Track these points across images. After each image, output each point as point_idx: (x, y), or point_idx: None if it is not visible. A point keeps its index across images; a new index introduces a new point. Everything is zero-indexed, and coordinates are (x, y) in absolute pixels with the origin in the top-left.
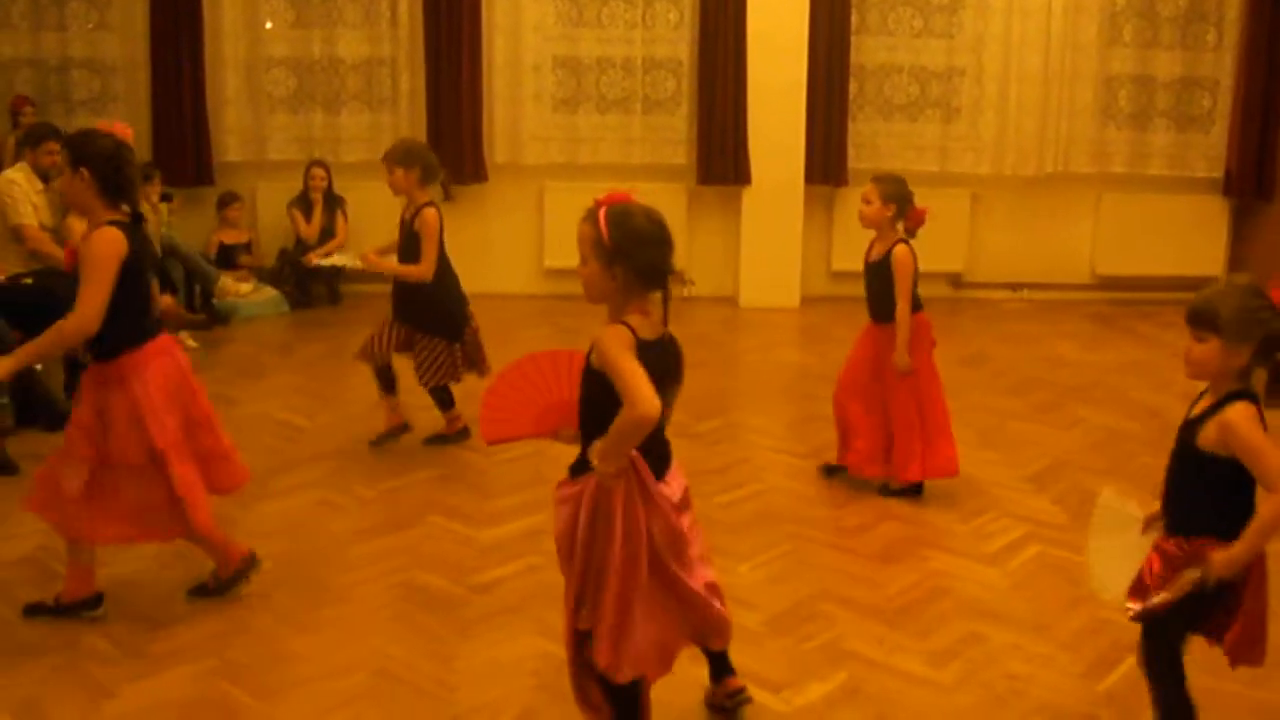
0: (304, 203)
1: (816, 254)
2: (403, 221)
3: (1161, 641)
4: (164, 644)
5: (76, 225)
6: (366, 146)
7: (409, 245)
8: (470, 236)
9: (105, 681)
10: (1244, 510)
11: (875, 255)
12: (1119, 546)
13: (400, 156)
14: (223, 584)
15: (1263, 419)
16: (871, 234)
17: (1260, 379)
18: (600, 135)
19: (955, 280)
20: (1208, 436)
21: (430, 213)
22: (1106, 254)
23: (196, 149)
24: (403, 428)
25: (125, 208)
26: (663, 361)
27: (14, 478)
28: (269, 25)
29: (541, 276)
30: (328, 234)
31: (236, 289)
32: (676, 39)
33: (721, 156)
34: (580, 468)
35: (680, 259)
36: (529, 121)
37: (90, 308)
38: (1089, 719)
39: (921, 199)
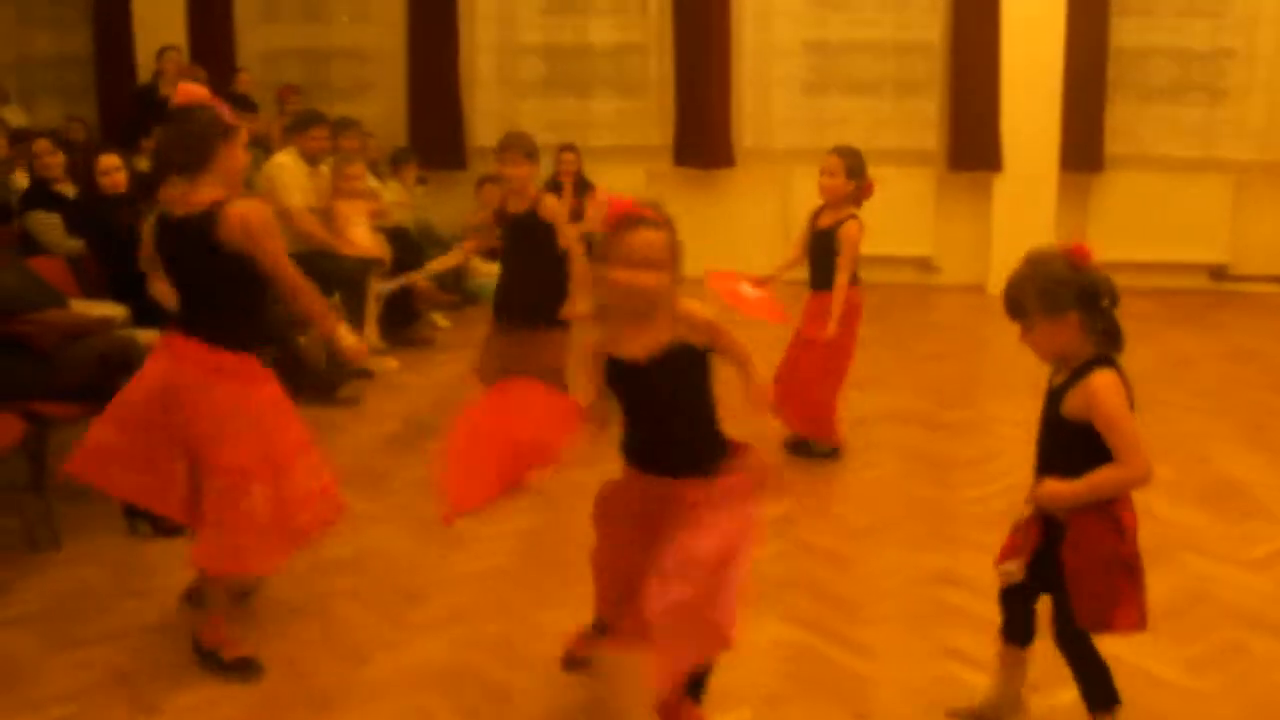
0: (554, 186)
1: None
2: (505, 214)
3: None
4: (417, 612)
5: (343, 208)
6: (616, 131)
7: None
8: (716, 220)
9: (361, 646)
10: None
11: (823, 224)
12: None
13: (530, 149)
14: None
15: (1126, 384)
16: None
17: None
18: (849, 119)
19: (1218, 272)
20: (1071, 405)
21: (552, 201)
22: None
23: (451, 133)
24: None
25: None
26: None
27: None
28: None
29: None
30: (577, 216)
31: (487, 270)
32: (928, 21)
33: (973, 142)
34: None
35: (927, 245)
36: (777, 106)
37: None
38: None
39: (1182, 185)
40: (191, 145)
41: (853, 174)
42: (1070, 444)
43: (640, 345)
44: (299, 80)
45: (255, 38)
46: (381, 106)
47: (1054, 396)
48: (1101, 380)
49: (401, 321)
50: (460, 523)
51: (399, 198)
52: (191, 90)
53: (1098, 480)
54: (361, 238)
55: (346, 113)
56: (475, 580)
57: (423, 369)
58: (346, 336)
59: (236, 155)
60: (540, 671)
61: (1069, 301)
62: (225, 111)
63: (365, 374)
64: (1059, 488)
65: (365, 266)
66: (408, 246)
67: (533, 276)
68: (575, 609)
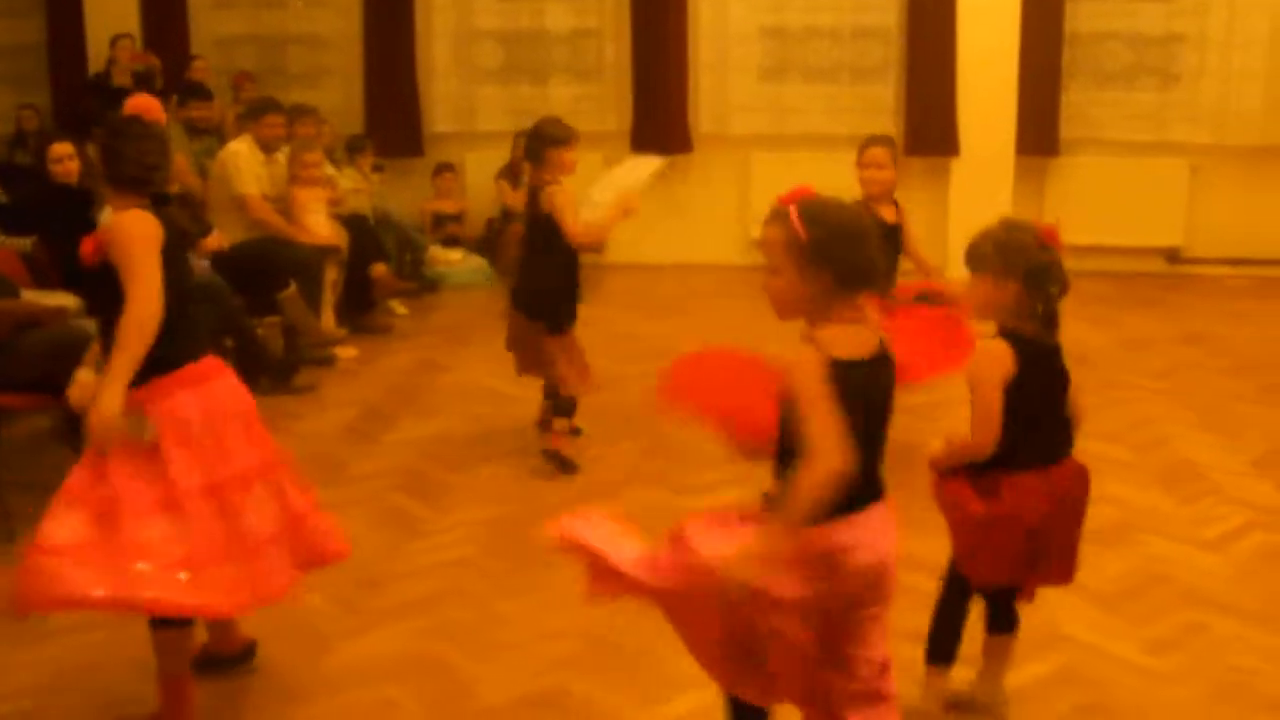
0: (511, 173)
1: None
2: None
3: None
4: (377, 602)
5: (300, 195)
6: (573, 117)
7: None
8: (674, 207)
9: (323, 636)
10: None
11: (890, 219)
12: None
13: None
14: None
15: (1020, 358)
16: None
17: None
18: (807, 105)
19: (1172, 255)
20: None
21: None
22: None
23: (407, 120)
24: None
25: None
26: (869, 386)
27: None
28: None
29: (746, 247)
30: None
31: (446, 257)
32: (885, 6)
33: (930, 127)
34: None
35: None
36: (735, 91)
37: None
38: None
39: (1135, 169)
40: (127, 165)
41: (896, 161)
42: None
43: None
44: (254, 67)
45: (209, 24)
46: (338, 93)
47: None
48: (985, 346)
49: (359, 309)
50: (420, 512)
51: (356, 185)
52: (143, 104)
53: (956, 445)
54: (318, 225)
55: (302, 100)
56: (437, 569)
57: (380, 357)
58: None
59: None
60: (503, 660)
61: (1017, 271)
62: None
63: (324, 361)
64: (938, 448)
65: (322, 254)
66: (365, 234)
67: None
68: (537, 597)
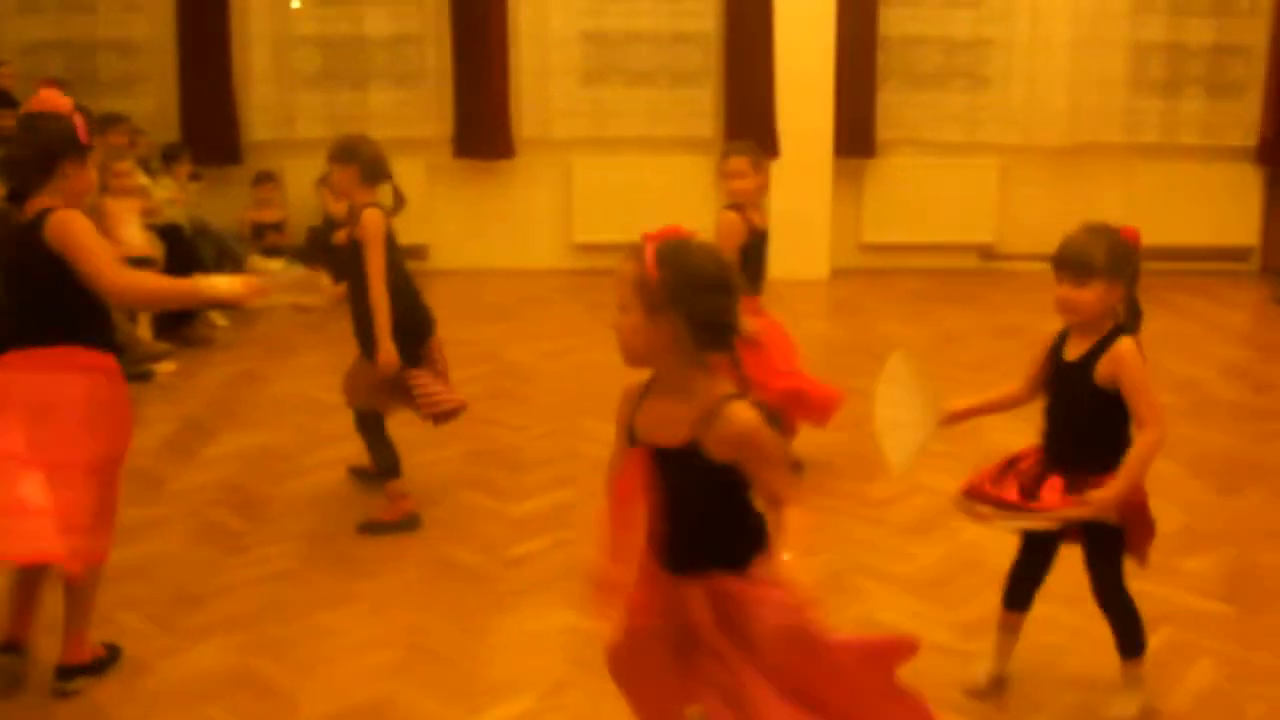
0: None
1: (846, 226)
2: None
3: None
4: (195, 619)
5: (112, 206)
6: (394, 124)
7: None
8: (498, 212)
9: (139, 656)
10: (1125, 442)
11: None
12: (907, 419)
13: (337, 153)
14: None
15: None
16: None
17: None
18: (628, 109)
19: (986, 251)
20: (1102, 372)
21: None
22: (1139, 224)
23: (225, 128)
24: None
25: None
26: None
27: None
28: (296, 3)
29: (571, 251)
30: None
31: (266, 267)
32: (703, 11)
33: (749, 130)
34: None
35: (708, 232)
36: (556, 96)
37: None
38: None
39: (949, 169)
40: (33, 157)
41: (759, 168)
42: (1098, 412)
43: (661, 425)
44: (62, 74)
45: (13, 29)
46: (152, 101)
47: (1078, 368)
48: (1128, 346)
49: (178, 320)
50: (239, 526)
51: (172, 194)
52: (50, 98)
53: (1133, 462)
54: (132, 237)
55: (114, 107)
56: (255, 584)
57: (200, 370)
58: (219, 282)
59: (84, 176)
60: (324, 673)
61: (1125, 273)
62: (80, 128)
63: (142, 377)
64: (1108, 494)
65: (136, 266)
66: (181, 244)
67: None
68: (357, 607)
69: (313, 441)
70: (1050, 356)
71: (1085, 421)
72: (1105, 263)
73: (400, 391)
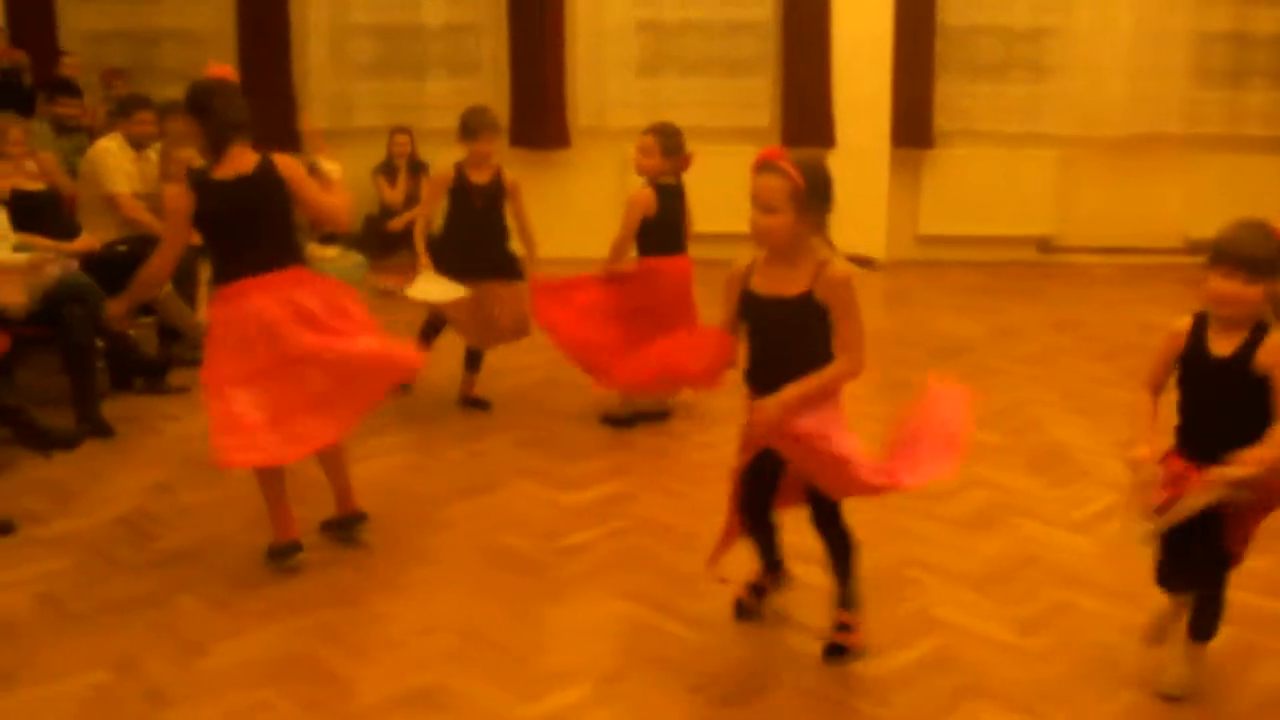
0: (388, 169)
1: (902, 218)
2: (477, 186)
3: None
4: (255, 603)
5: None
6: (449, 113)
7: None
8: (553, 201)
9: (198, 638)
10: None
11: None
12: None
13: (494, 122)
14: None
15: None
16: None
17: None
18: (683, 99)
19: (1044, 244)
20: (1262, 360)
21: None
22: (1200, 217)
23: (283, 116)
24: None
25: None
26: None
27: (110, 440)
28: None
29: None
30: (412, 200)
31: (323, 253)
32: (759, 0)
33: (805, 119)
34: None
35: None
36: (612, 86)
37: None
38: None
39: (1008, 160)
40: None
41: (668, 152)
42: (1253, 404)
43: (777, 283)
44: (125, 63)
45: (77, 19)
46: None
47: (1234, 362)
48: None
49: None
50: (296, 512)
51: None
52: (223, 70)
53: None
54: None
55: (175, 96)
56: (313, 568)
57: None
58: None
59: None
60: (380, 658)
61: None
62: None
63: (198, 362)
64: (1266, 454)
65: (196, 252)
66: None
67: (499, 236)
68: (414, 594)
69: (369, 428)
70: (1189, 352)
71: (1240, 413)
72: (1266, 260)
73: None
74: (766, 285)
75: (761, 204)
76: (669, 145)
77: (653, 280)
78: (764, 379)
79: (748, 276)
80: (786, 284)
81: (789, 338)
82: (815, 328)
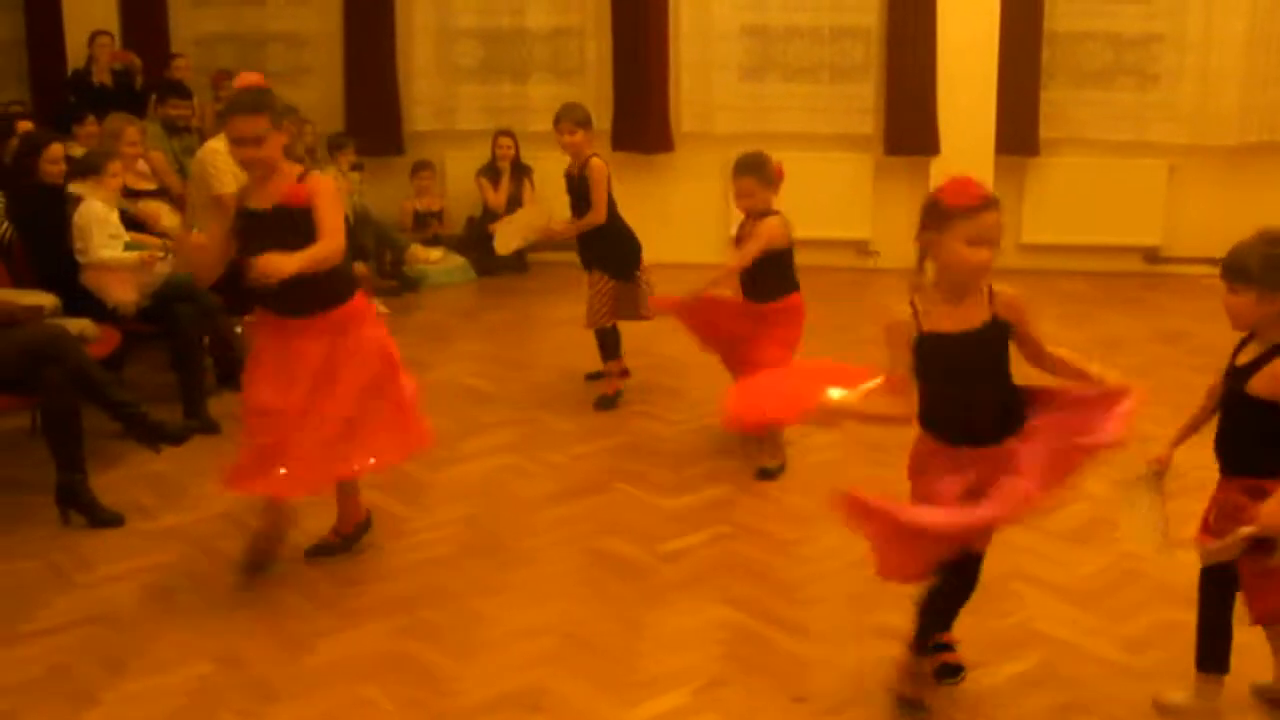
0: (492, 172)
1: (1006, 226)
2: (570, 176)
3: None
4: (357, 601)
5: None
6: (553, 117)
7: (580, 194)
8: (655, 205)
9: (302, 635)
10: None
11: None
12: (1146, 503)
13: (582, 118)
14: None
15: None
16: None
17: None
18: (787, 104)
19: (1151, 254)
20: (1258, 385)
21: (597, 162)
22: None
23: (387, 119)
24: (616, 394)
25: None
26: None
27: (216, 436)
28: None
29: (727, 246)
30: (515, 203)
31: (426, 256)
32: (865, 6)
33: (909, 126)
34: None
35: (865, 228)
36: (716, 90)
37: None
38: None
39: (1115, 169)
40: None
41: (768, 183)
42: (1247, 422)
43: (957, 320)
44: (234, 65)
45: (188, 22)
46: (318, 92)
47: (1238, 374)
48: None
49: None
50: (400, 510)
51: (336, 183)
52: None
53: None
54: None
55: (282, 98)
56: (414, 568)
57: None
58: None
59: None
60: (480, 659)
61: None
62: None
63: None
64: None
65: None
66: (344, 232)
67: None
68: (514, 595)
69: (470, 429)
70: (1230, 361)
71: (1240, 431)
72: (1260, 273)
73: (626, 301)
74: (948, 324)
75: (991, 240)
76: (765, 177)
77: (797, 317)
78: (960, 419)
79: (918, 322)
80: (967, 319)
81: (987, 367)
82: (1004, 354)
